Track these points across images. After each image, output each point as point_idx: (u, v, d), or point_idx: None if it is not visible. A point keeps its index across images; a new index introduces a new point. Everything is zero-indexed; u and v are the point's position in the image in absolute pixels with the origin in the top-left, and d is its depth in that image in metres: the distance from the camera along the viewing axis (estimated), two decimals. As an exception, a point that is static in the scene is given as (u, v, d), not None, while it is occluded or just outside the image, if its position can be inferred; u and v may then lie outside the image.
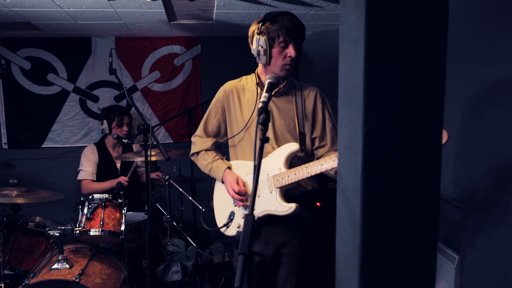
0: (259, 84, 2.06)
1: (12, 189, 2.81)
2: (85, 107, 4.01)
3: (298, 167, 1.91)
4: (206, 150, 2.20)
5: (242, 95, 2.10)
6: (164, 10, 2.99)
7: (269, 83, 1.61)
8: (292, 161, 1.99)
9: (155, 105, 4.05)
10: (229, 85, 2.15)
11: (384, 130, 1.06)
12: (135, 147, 3.70)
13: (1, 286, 2.76)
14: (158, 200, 3.40)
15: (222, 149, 2.28)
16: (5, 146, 3.92)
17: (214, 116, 2.17)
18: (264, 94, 1.54)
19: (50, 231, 2.60)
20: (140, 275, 3.09)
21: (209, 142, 2.20)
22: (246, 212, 2.03)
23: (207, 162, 2.17)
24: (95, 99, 4.00)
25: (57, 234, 2.59)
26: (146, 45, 3.96)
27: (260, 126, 1.42)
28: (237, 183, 2.02)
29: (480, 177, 2.26)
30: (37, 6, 2.81)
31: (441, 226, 2.60)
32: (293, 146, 1.96)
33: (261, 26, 1.90)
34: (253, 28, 1.97)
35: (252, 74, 2.12)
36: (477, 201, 2.28)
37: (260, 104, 1.46)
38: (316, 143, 2.10)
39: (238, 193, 1.99)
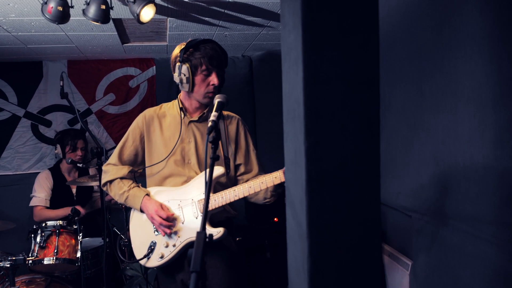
0: (182, 109, 2.03)
1: (-41, 220, 2.69)
2: (37, 132, 3.90)
3: (225, 190, 1.89)
4: (121, 178, 2.08)
5: (163, 121, 2.07)
6: (116, 33, 3.00)
7: (219, 102, 1.64)
8: (215, 187, 1.96)
9: (110, 127, 4.00)
10: (149, 111, 2.10)
11: (325, 144, 1.12)
12: (91, 171, 3.62)
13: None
14: (115, 224, 3.33)
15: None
16: (-49, 176, 3.75)
17: (132, 144, 2.08)
18: (214, 113, 1.56)
19: (0, 263, 2.50)
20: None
21: (124, 170, 2.08)
22: (170, 240, 1.97)
23: (122, 190, 2.05)
24: (48, 123, 3.91)
25: (8, 265, 2.49)
26: (99, 67, 3.93)
27: (210, 144, 1.43)
28: (163, 209, 1.95)
29: (426, 185, 2.37)
30: (-17, 31, 2.76)
31: (394, 234, 2.69)
32: (219, 170, 1.91)
33: (184, 53, 1.90)
34: (176, 54, 1.96)
35: (173, 101, 2.11)
36: (425, 208, 2.38)
37: (210, 123, 1.48)
38: (241, 169, 2.09)
39: (166, 219, 1.93)
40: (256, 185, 1.86)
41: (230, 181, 2.06)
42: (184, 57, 1.90)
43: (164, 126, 2.05)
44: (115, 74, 3.97)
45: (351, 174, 1.13)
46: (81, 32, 2.94)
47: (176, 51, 1.96)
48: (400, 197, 2.58)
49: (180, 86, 1.95)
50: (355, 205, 1.14)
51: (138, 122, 2.09)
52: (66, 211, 3.25)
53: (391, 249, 2.66)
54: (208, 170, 1.38)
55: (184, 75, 1.90)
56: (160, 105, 2.13)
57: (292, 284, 1.32)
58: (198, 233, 1.23)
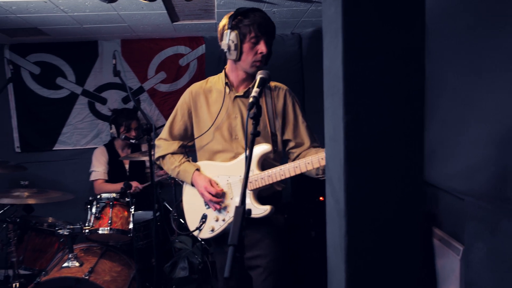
0: (228, 83, 2.04)
1: (23, 190, 2.89)
2: (94, 109, 4.08)
3: (272, 169, 1.89)
4: (172, 153, 2.15)
5: (209, 96, 2.08)
6: (166, 11, 3.04)
7: (261, 78, 1.63)
8: (264, 163, 1.97)
9: (162, 105, 4.11)
10: (195, 87, 2.12)
11: (365, 119, 1.08)
12: (143, 147, 3.75)
13: (16, 285, 2.83)
14: (166, 199, 3.45)
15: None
16: (18, 150, 4.02)
17: (180, 119, 2.13)
18: (255, 89, 1.56)
19: (60, 231, 2.67)
20: (150, 273, 3.14)
21: (175, 145, 2.15)
22: (220, 214, 2.02)
23: (173, 165, 2.12)
24: (103, 101, 4.08)
25: (67, 233, 2.66)
26: (151, 46, 4.02)
27: (251, 120, 1.44)
28: (212, 185, 1.99)
29: (482, 167, 2.26)
30: (42, 12, 2.88)
31: (446, 218, 2.59)
32: (266, 147, 1.92)
33: (233, 20, 1.89)
34: (224, 22, 1.95)
35: (219, 74, 2.10)
36: (480, 191, 2.27)
37: (251, 99, 1.48)
38: (291, 144, 2.08)
39: (216, 195, 1.97)
40: (303, 166, 1.84)
41: (279, 156, 2.07)
42: (233, 24, 1.88)
43: (210, 101, 2.07)
44: (166, 53, 4.04)
45: (391, 151, 1.09)
46: (132, 12, 3.01)
47: (224, 19, 1.96)
48: (452, 179, 2.47)
49: (227, 54, 1.94)
50: (395, 183, 1.10)
51: (185, 97, 2.13)
52: (119, 186, 3.40)
53: (442, 233, 2.57)
54: (248, 146, 1.38)
55: (233, 42, 1.89)
56: (206, 79, 2.15)
57: (330, 262, 1.32)
58: (236, 207, 1.25)
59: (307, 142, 2.07)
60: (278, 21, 3.47)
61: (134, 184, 3.35)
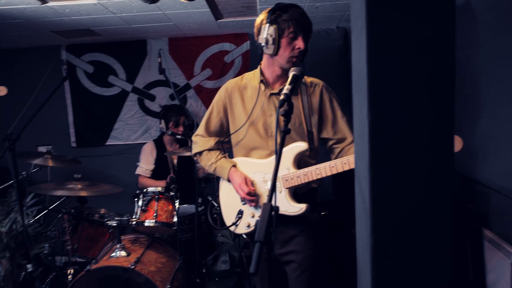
0: (263, 81, 2.04)
1: (77, 183, 3.07)
2: (143, 106, 4.24)
3: (309, 168, 1.89)
4: (209, 149, 2.19)
5: (244, 93, 2.09)
6: (209, 10, 3.10)
7: (294, 75, 1.63)
8: (300, 161, 1.97)
9: (208, 101, 4.19)
10: (230, 83, 2.14)
11: (390, 117, 1.06)
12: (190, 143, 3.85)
13: (71, 271, 3.02)
14: (210, 194, 3.52)
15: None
16: (73, 145, 4.26)
17: (216, 115, 2.16)
18: (287, 86, 1.56)
19: (108, 222, 2.81)
20: (194, 265, 3.23)
21: (211, 141, 2.19)
22: (255, 210, 2.04)
23: (210, 162, 2.16)
24: (152, 98, 4.23)
25: (115, 225, 2.79)
26: (197, 44, 4.11)
27: (282, 117, 1.44)
28: (246, 184, 2.01)
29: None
30: (93, 14, 3.03)
31: (497, 219, 2.47)
32: (302, 146, 1.92)
33: (271, 15, 1.89)
34: (262, 17, 1.96)
35: (255, 71, 2.11)
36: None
37: (282, 96, 1.49)
38: (332, 140, 2.06)
39: (248, 194, 1.99)
40: (339, 165, 1.84)
41: (315, 154, 2.06)
42: (272, 18, 1.89)
43: (246, 98, 2.09)
44: (211, 50, 4.12)
45: (418, 150, 1.06)
46: (176, 11, 3.09)
47: (263, 14, 1.97)
48: (504, 178, 2.35)
49: (264, 48, 1.95)
50: (422, 182, 1.08)
51: (221, 94, 2.16)
52: (163, 183, 3.52)
53: (493, 234, 2.45)
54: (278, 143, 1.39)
55: (271, 36, 1.90)
56: (242, 75, 2.17)
57: (359, 261, 1.30)
58: (264, 204, 1.26)
59: (349, 137, 2.06)
60: (322, 15, 3.43)
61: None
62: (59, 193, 2.92)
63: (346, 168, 1.82)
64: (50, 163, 3.15)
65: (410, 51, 1.04)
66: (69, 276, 2.95)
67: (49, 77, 4.04)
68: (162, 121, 3.71)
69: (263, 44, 1.94)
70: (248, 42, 4.09)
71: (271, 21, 1.89)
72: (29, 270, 2.46)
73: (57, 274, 3.20)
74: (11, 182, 3.11)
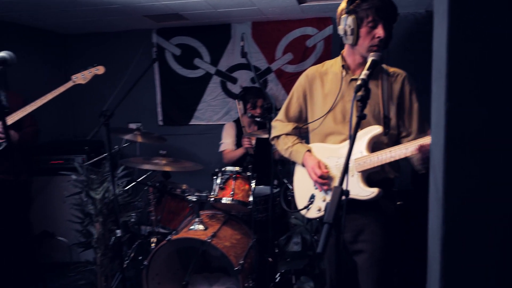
0: (344, 66, 2.02)
1: (162, 158, 3.29)
2: (226, 88, 4.39)
3: (381, 151, 1.85)
4: (287, 134, 2.22)
5: (325, 79, 2.08)
6: (292, -7, 3.11)
7: (373, 61, 1.61)
8: (375, 146, 1.92)
9: (288, 86, 4.23)
10: (311, 70, 2.15)
11: (468, 106, 1.03)
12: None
13: (154, 240, 3.26)
14: (286, 176, 3.58)
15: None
16: (160, 123, 4.54)
17: (296, 101, 2.18)
18: (365, 72, 1.55)
19: (189, 197, 2.99)
20: (267, 244, 3.33)
21: (289, 126, 2.21)
22: (327, 195, 2.03)
23: (287, 146, 2.19)
24: (234, 80, 4.36)
25: (194, 200, 2.96)
26: (279, 28, 4.14)
27: (357, 102, 1.44)
28: (319, 167, 2.01)
29: None
30: (182, -2, 3.19)
31: None
32: (377, 129, 1.89)
33: (350, 5, 1.86)
34: (342, 7, 1.93)
35: (336, 58, 2.09)
36: None
37: (359, 81, 1.48)
38: (404, 131, 2.01)
39: (321, 177, 1.99)
40: (413, 148, 1.79)
41: (391, 141, 2.02)
42: (350, 8, 1.87)
43: (326, 84, 2.09)
44: (294, 34, 4.13)
45: (495, 141, 1.02)
46: (261, -5, 3.15)
47: (343, 3, 1.95)
48: None
49: (344, 38, 1.95)
50: (497, 173, 1.03)
51: (301, 80, 2.18)
52: (242, 150, 3.63)
53: None
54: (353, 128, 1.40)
55: (349, 27, 1.88)
56: (323, 62, 2.17)
57: (429, 251, 1.29)
58: (335, 187, 1.28)
59: (414, 133, 2.01)
60: (409, -2, 3.30)
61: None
62: (146, 167, 3.16)
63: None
64: (139, 139, 3.40)
65: (493, 39, 0.99)
66: (152, 244, 3.19)
67: (141, 58, 4.33)
68: (241, 102, 3.82)
69: (342, 34, 1.93)
70: (331, 26, 4.04)
71: (349, 11, 1.87)
72: (118, 235, 2.70)
73: (141, 242, 3.48)
74: (105, 154, 3.42)
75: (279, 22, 4.13)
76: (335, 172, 2.02)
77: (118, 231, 2.70)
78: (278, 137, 2.27)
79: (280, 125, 2.26)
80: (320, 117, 2.06)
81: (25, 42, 4.01)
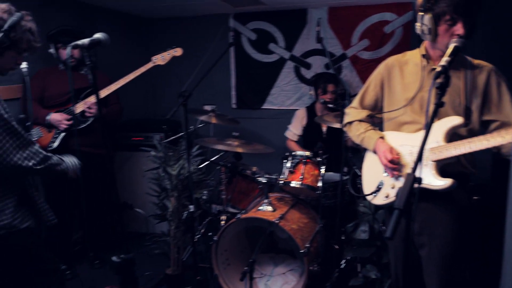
0: (425, 55, 1.95)
1: (234, 140, 3.39)
2: (299, 73, 4.40)
3: (459, 141, 1.77)
4: (360, 120, 2.21)
5: (404, 69, 2.03)
6: (373, -22, 3.04)
7: (455, 47, 1.55)
8: (453, 138, 1.85)
9: (362, 72, 4.16)
10: (391, 59, 2.10)
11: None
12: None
13: (224, 218, 3.40)
14: (355, 163, 3.55)
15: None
16: (234, 106, 4.67)
17: (373, 90, 2.16)
18: (445, 58, 1.50)
19: (259, 178, 3.07)
20: (333, 230, 3.34)
21: (363, 113, 2.20)
22: (396, 182, 2.00)
23: (359, 132, 2.18)
24: (308, 66, 4.35)
25: (264, 181, 3.04)
26: (357, 13, 4.06)
27: (435, 89, 1.41)
28: (390, 152, 1.98)
29: None
30: (261, -16, 3.23)
31: None
32: (457, 120, 1.82)
33: (427, 3, 1.78)
34: (419, 2, 1.85)
35: (418, 49, 2.03)
36: None
37: (439, 68, 1.44)
38: (495, 124, 1.90)
39: (391, 162, 1.96)
40: (495, 140, 1.70)
41: (470, 134, 1.92)
42: (427, 6, 1.81)
43: (405, 73, 2.05)
44: (371, 20, 4.04)
45: None
46: (340, -21, 3.11)
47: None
48: None
49: (421, 35, 1.90)
50: None
51: (380, 69, 2.16)
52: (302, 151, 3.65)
53: None
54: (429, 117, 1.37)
55: (426, 26, 1.83)
56: (404, 52, 2.12)
57: (506, 247, 1.25)
58: (407, 174, 1.28)
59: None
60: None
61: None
62: (220, 147, 3.28)
63: (504, 142, 1.67)
64: (214, 120, 3.53)
65: None
66: (222, 222, 3.33)
67: (218, 42, 4.46)
68: (312, 88, 3.82)
69: (419, 33, 1.88)
70: (411, 12, 3.90)
71: (426, 9, 1.81)
72: (191, 210, 2.85)
73: (212, 219, 3.63)
74: (181, 133, 3.60)
75: (357, 7, 4.05)
76: (408, 159, 1.99)
77: (191, 206, 2.84)
78: (351, 123, 2.27)
79: (354, 112, 2.26)
80: (400, 108, 2.02)
81: (112, 26, 4.28)
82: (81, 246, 3.73)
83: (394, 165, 1.98)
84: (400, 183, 2.01)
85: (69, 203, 3.34)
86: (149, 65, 3.25)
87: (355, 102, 2.26)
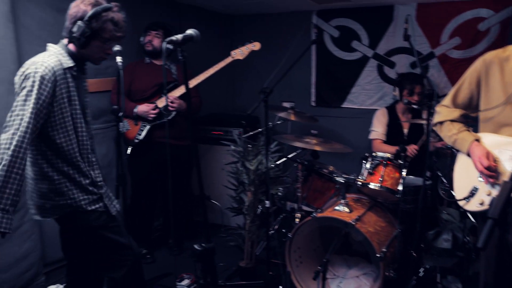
0: None
1: (312, 138, 3.37)
2: (382, 72, 4.27)
3: None
4: (452, 120, 2.08)
5: (505, 65, 1.87)
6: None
7: None
8: None
9: (451, 72, 3.93)
10: (490, 55, 1.95)
11: None
12: (424, 114, 3.72)
13: (298, 215, 3.39)
14: (439, 168, 3.37)
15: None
16: (313, 104, 4.64)
17: (468, 87, 2.02)
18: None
19: (336, 178, 3.03)
20: (411, 236, 3.20)
21: (456, 113, 2.07)
22: (493, 189, 1.84)
23: (451, 133, 2.05)
24: (392, 65, 4.20)
25: (342, 181, 2.99)
26: (448, 9, 3.84)
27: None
28: (487, 157, 1.84)
29: None
30: (347, -20, 3.16)
31: None
32: None
33: None
34: None
35: None
36: None
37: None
38: None
39: (488, 169, 1.83)
40: None
41: None
42: None
43: (506, 70, 1.91)
44: (464, 16, 3.80)
45: None
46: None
47: None
48: None
49: None
50: None
51: (477, 65, 2.03)
52: (394, 149, 3.51)
53: None
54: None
55: None
56: (504, 47, 1.97)
57: None
58: (504, 182, 1.19)
59: None
60: None
61: (410, 147, 3.40)
62: (298, 144, 3.28)
63: None
64: (292, 117, 3.53)
65: None
66: (296, 220, 3.32)
67: (300, 39, 4.44)
68: (397, 88, 3.68)
69: None
70: (510, 8, 3.60)
71: None
72: (267, 205, 2.88)
73: (286, 216, 3.65)
74: (260, 129, 3.64)
75: (449, 3, 3.83)
76: (507, 166, 1.84)
77: (267, 202, 2.87)
78: (442, 123, 2.15)
79: (445, 111, 2.14)
80: (498, 106, 1.89)
81: (198, 22, 4.42)
82: (161, 233, 3.92)
83: (490, 172, 1.86)
84: (496, 190, 1.87)
85: (153, 191, 3.52)
86: (228, 60, 3.32)
87: (447, 100, 2.14)
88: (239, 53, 3.31)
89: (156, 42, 3.39)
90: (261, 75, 4.68)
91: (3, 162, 1.72)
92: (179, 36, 1.71)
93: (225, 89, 4.98)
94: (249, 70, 4.83)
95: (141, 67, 3.43)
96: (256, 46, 3.32)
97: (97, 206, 2.03)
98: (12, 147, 1.73)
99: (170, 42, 1.70)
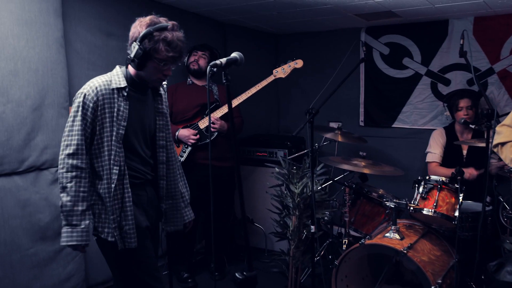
0: None
1: (361, 160, 3.22)
2: (436, 90, 4.05)
3: None
4: None
5: None
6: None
7: None
8: None
9: (513, 89, 3.67)
10: None
11: None
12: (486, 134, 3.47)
13: (346, 241, 3.23)
14: (501, 193, 3.11)
15: None
16: (361, 124, 4.46)
17: None
18: None
19: (387, 202, 2.85)
20: (471, 267, 2.96)
21: None
22: None
23: None
24: (447, 82, 3.98)
25: (392, 206, 2.81)
26: (509, 23, 3.60)
27: None
28: None
29: None
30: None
31: None
32: None
33: None
34: None
35: None
36: None
37: None
38: None
39: None
40: None
41: None
42: None
43: None
44: (527, 31, 3.54)
45: None
46: (490, -15, 2.78)
47: None
48: None
49: None
50: None
51: None
52: (449, 172, 3.29)
53: None
54: None
55: None
56: None
57: None
58: None
59: None
60: None
61: (469, 171, 3.17)
62: (345, 167, 3.14)
63: None
64: (339, 138, 3.41)
65: None
66: (343, 246, 3.16)
67: (348, 57, 4.32)
68: (446, 107, 3.48)
69: None
70: None
71: None
72: (312, 231, 2.76)
73: (332, 241, 3.49)
74: (306, 151, 3.53)
75: (509, 15, 3.58)
76: None
77: (312, 226, 2.75)
78: (503, 144, 2.00)
79: (507, 131, 1.99)
80: None
81: (243, 41, 4.42)
82: (202, 256, 3.86)
83: None
84: None
85: (196, 213, 3.48)
86: (270, 78, 3.24)
87: (509, 119, 1.99)
88: (281, 71, 3.24)
89: (202, 62, 3.39)
90: (307, 94, 4.58)
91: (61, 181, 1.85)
92: (223, 60, 1.67)
93: (270, 109, 4.91)
94: (294, 90, 4.75)
95: (182, 89, 3.43)
96: (298, 64, 3.24)
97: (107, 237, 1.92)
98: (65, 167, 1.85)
99: (214, 65, 1.66)
